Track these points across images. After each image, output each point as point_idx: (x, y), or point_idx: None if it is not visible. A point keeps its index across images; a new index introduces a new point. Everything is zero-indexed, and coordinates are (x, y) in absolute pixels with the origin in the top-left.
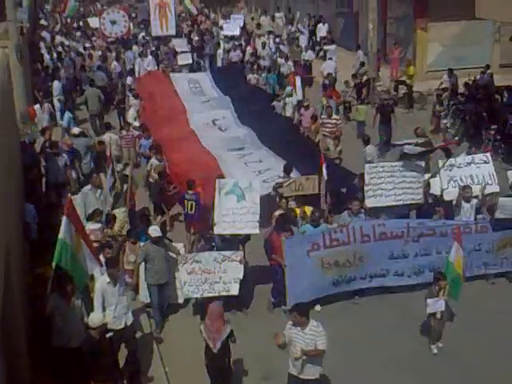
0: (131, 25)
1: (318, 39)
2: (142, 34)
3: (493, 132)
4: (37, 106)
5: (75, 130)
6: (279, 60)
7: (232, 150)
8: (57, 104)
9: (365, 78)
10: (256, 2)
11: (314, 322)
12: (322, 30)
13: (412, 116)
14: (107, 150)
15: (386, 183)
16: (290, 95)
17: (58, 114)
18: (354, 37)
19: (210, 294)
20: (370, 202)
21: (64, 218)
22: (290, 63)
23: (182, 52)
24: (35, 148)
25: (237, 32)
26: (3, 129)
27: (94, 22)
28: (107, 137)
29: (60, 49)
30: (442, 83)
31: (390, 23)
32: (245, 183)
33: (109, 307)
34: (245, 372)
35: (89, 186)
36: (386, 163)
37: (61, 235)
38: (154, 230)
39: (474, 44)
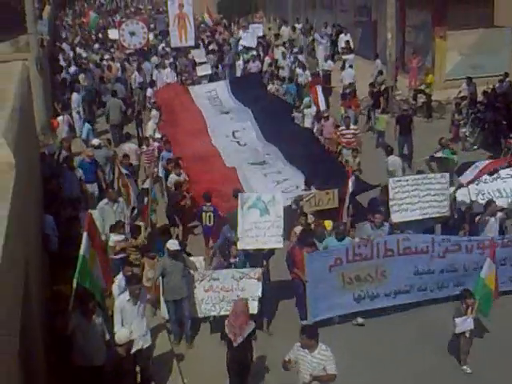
0: (150, 36)
1: (340, 50)
2: (162, 45)
3: None
4: (60, 118)
5: (95, 142)
6: (297, 70)
7: (252, 164)
8: (76, 116)
9: (383, 87)
10: (274, 12)
11: (323, 345)
12: (344, 40)
13: (431, 125)
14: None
15: (411, 197)
16: (309, 106)
17: (77, 126)
18: (373, 46)
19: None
20: (395, 217)
21: (85, 234)
22: (308, 73)
23: (201, 63)
24: (55, 159)
25: (253, 44)
26: (24, 140)
27: (113, 33)
28: (126, 147)
29: (79, 61)
30: (460, 92)
31: (409, 32)
32: (268, 197)
33: (126, 326)
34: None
35: (105, 200)
36: (410, 176)
37: (82, 251)
38: (173, 244)
39: (492, 52)
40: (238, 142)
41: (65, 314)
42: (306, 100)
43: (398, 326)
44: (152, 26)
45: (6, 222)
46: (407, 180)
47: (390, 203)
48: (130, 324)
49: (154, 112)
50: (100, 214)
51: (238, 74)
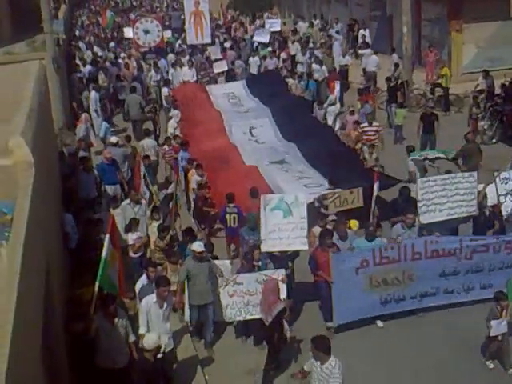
0: (168, 33)
1: (359, 44)
2: (179, 42)
3: None
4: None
5: (113, 139)
6: (314, 66)
7: (271, 164)
8: (94, 114)
9: (399, 81)
10: (289, 7)
11: (334, 360)
12: (366, 37)
13: (448, 118)
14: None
15: (440, 197)
16: (333, 104)
17: (95, 125)
18: (389, 40)
19: (253, 316)
20: (424, 218)
21: (107, 236)
22: (324, 68)
23: (217, 60)
24: (76, 159)
25: (266, 39)
26: (42, 139)
27: (128, 31)
28: (144, 143)
29: (95, 59)
30: (478, 85)
31: (424, 25)
32: (291, 198)
33: (152, 329)
34: None
35: (127, 201)
36: (438, 176)
37: (104, 253)
38: (198, 246)
39: (509, 44)
40: (256, 141)
41: (86, 318)
42: (331, 98)
43: (422, 328)
44: (167, 23)
45: (26, 220)
46: (435, 180)
47: (419, 204)
48: (156, 327)
49: (175, 111)
50: (122, 213)
51: (253, 71)
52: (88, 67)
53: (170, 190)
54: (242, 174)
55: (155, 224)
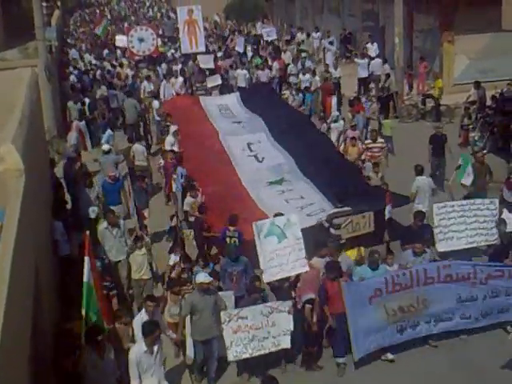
0: (159, 41)
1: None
2: (172, 51)
3: None
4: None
5: (105, 147)
6: (301, 76)
7: (271, 185)
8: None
9: (390, 91)
10: (282, 17)
11: None
12: (371, 50)
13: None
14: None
15: (458, 224)
16: (336, 121)
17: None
18: (381, 51)
19: (260, 352)
20: (441, 246)
21: (86, 259)
22: (317, 78)
23: (209, 70)
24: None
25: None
26: (33, 146)
27: (120, 40)
28: (134, 148)
29: (88, 67)
30: (469, 96)
31: (416, 36)
32: (282, 220)
33: (143, 374)
34: None
35: (105, 224)
36: (456, 202)
37: (85, 278)
38: (204, 277)
39: (501, 56)
40: (255, 157)
41: (75, 352)
42: (334, 114)
43: (433, 358)
44: (160, 31)
45: (16, 227)
46: (453, 206)
47: (435, 231)
48: (147, 374)
49: (173, 127)
50: (101, 236)
51: (241, 84)
52: (76, 72)
53: (173, 223)
54: (240, 199)
55: (138, 252)
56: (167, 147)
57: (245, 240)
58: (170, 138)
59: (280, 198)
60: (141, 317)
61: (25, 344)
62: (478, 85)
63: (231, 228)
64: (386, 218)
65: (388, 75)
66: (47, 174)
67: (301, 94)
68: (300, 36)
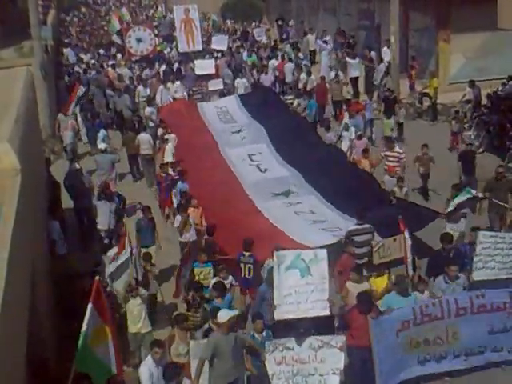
0: (157, 40)
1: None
2: (167, 49)
3: None
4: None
5: (101, 146)
6: (301, 75)
7: (277, 196)
8: (80, 121)
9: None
10: (277, 16)
11: None
12: (388, 55)
13: (436, 128)
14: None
15: (504, 256)
16: (347, 129)
17: (81, 132)
18: (376, 50)
19: None
20: (478, 275)
21: (89, 305)
22: (313, 78)
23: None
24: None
25: (224, 47)
26: (29, 145)
27: (117, 38)
28: (140, 137)
29: (84, 66)
30: (465, 95)
31: (412, 35)
32: (309, 254)
33: None
34: None
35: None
36: (507, 234)
37: (84, 326)
38: (226, 314)
39: (496, 55)
40: (257, 167)
41: None
42: (346, 121)
43: None
44: (155, 31)
45: (12, 227)
46: (503, 237)
47: (475, 259)
48: None
49: (171, 135)
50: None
51: (241, 90)
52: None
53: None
54: (247, 215)
55: (134, 302)
56: (169, 157)
57: (257, 261)
58: (170, 146)
59: (288, 210)
60: (147, 365)
61: (21, 346)
62: (472, 83)
63: (246, 253)
64: (408, 244)
65: (387, 73)
66: (43, 174)
67: (304, 100)
68: (311, 37)
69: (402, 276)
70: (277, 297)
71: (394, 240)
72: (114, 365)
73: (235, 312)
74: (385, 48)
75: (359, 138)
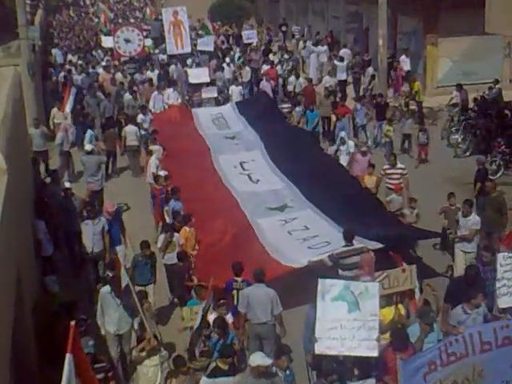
0: (147, 41)
1: (404, 74)
2: (156, 51)
3: (502, 146)
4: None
5: (88, 147)
6: (290, 78)
7: (272, 211)
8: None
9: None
10: (266, 19)
11: None
12: (407, 64)
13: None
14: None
15: None
16: (344, 142)
17: (70, 133)
18: (364, 53)
19: None
20: (503, 302)
21: (67, 356)
22: (302, 80)
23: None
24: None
25: (211, 48)
26: (15, 146)
27: (106, 40)
28: (127, 129)
29: (68, 67)
30: (452, 98)
31: (400, 39)
32: (359, 287)
33: None
34: None
35: (108, 288)
36: None
37: (64, 379)
38: (262, 358)
39: (484, 59)
40: (248, 176)
41: None
42: (342, 134)
43: None
44: (145, 33)
45: None
46: None
47: (498, 284)
48: None
49: (156, 146)
50: (100, 301)
51: (237, 97)
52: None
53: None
54: (236, 231)
55: (148, 363)
56: (152, 170)
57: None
58: (154, 160)
59: (282, 229)
60: None
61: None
62: (460, 87)
63: (238, 279)
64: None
65: (373, 76)
66: (30, 174)
67: (299, 109)
68: (301, 42)
69: (426, 308)
70: (318, 329)
71: (403, 271)
72: None
73: (270, 361)
74: (403, 57)
75: (364, 153)
